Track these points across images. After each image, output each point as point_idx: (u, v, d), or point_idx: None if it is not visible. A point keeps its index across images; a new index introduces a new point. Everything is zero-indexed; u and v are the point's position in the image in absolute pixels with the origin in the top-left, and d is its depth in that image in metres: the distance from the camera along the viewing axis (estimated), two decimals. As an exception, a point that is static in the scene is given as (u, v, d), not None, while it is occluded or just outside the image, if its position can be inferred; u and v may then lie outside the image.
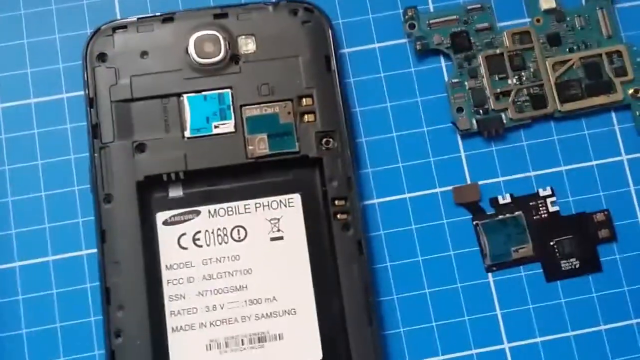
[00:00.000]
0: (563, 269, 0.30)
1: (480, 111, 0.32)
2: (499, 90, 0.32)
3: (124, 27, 0.31)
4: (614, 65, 0.32)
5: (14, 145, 0.31)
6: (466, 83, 0.32)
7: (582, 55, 0.32)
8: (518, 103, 0.32)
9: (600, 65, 0.32)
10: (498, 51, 0.32)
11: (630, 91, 0.32)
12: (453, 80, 0.32)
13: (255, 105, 0.30)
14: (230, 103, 0.30)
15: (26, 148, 0.31)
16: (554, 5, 0.32)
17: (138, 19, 0.31)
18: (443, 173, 0.31)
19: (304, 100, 0.30)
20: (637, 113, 0.32)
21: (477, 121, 0.31)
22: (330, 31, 0.31)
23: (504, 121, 0.31)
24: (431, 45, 0.32)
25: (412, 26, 0.32)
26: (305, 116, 0.30)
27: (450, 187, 0.31)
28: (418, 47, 0.32)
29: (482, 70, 0.32)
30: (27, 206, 0.30)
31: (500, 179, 0.31)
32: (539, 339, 0.30)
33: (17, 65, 0.31)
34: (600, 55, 0.32)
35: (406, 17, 0.32)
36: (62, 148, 0.31)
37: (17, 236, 0.30)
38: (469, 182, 0.31)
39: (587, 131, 0.32)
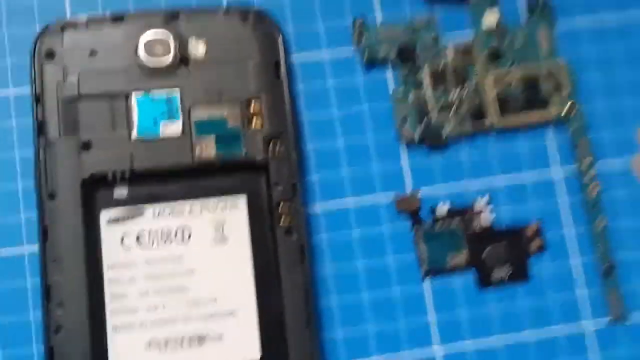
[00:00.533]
0: (494, 277, 0.32)
1: (423, 122, 0.33)
2: (441, 103, 0.33)
3: (73, 25, 0.31)
4: (551, 82, 0.33)
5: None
6: (410, 94, 0.33)
7: (522, 71, 0.33)
8: (459, 116, 0.33)
9: (538, 81, 0.33)
10: (442, 64, 0.33)
11: (566, 107, 0.33)
12: (398, 91, 0.33)
13: (204, 109, 0.31)
14: (179, 105, 0.31)
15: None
16: (496, 22, 0.33)
17: (88, 17, 0.31)
18: (386, 181, 0.32)
19: (252, 105, 0.31)
20: (571, 129, 0.33)
21: (419, 132, 0.32)
22: (280, 37, 0.32)
23: (445, 133, 0.32)
24: (378, 55, 0.33)
25: (360, 36, 0.33)
26: (253, 120, 0.31)
27: (392, 196, 0.32)
28: (366, 56, 0.33)
29: (426, 82, 0.33)
30: (-33, 201, 0.30)
31: (440, 189, 0.32)
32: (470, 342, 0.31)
33: (-38, 58, 0.31)
34: (539, 71, 0.33)
35: (355, 27, 0.33)
36: (6, 144, 0.31)
37: (-45, 231, 0.30)
38: (410, 190, 0.32)
39: (524, 144, 0.33)
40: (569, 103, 0.33)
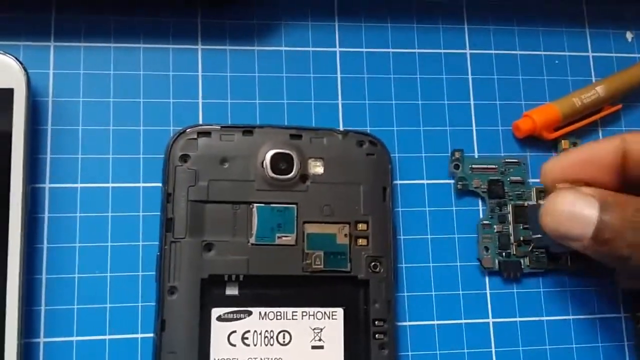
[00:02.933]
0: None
1: (504, 253, 0.36)
2: (521, 239, 0.36)
3: (208, 133, 0.34)
4: None
5: (88, 224, 0.33)
6: (495, 226, 0.36)
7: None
8: (535, 253, 0.36)
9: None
10: (526, 203, 0.36)
11: None
12: (484, 222, 0.36)
13: (317, 224, 0.34)
14: (295, 218, 0.33)
15: (99, 230, 0.33)
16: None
17: (222, 127, 0.34)
18: (469, 306, 0.35)
19: (359, 225, 0.34)
20: None
21: (499, 262, 0.35)
22: (390, 166, 0.35)
23: (522, 267, 0.35)
24: (470, 187, 0.36)
25: (456, 167, 0.36)
26: (359, 240, 0.34)
27: (473, 320, 0.35)
28: (459, 186, 0.36)
29: (510, 217, 0.36)
30: (91, 285, 0.32)
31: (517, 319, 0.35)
32: None
33: (101, 150, 0.34)
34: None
35: (453, 157, 0.36)
36: (132, 234, 0.33)
37: (78, 311, 0.32)
38: (490, 318, 0.35)
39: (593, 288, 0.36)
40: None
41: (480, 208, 0.36)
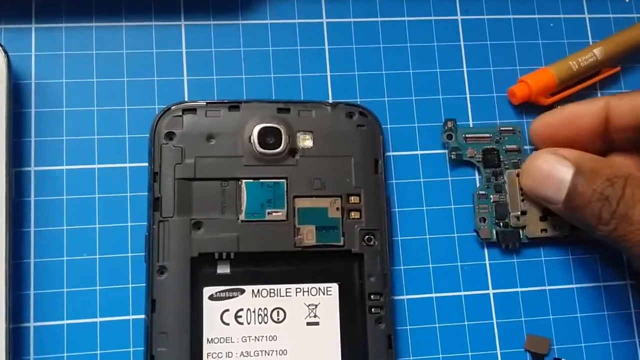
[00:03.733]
0: None
1: (501, 224, 0.35)
2: (519, 208, 0.35)
3: (193, 109, 0.33)
4: None
5: (75, 207, 0.32)
6: (491, 196, 0.35)
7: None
8: (535, 222, 0.35)
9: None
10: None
11: None
12: (480, 192, 0.35)
13: (307, 198, 0.33)
14: (285, 193, 0.33)
15: (86, 211, 0.32)
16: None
17: (207, 103, 0.33)
18: (468, 278, 0.34)
19: (351, 198, 0.33)
20: None
21: (497, 233, 0.34)
22: (381, 137, 0.34)
23: (521, 237, 0.34)
24: (464, 157, 0.35)
25: (449, 137, 0.35)
26: (352, 213, 0.33)
27: (473, 292, 0.34)
28: (452, 156, 0.35)
29: (507, 186, 0.35)
30: (80, 267, 0.32)
31: (518, 289, 0.34)
32: None
33: (86, 131, 0.33)
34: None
35: (446, 127, 0.35)
36: (120, 214, 0.33)
37: (67, 295, 0.31)
38: (491, 289, 0.34)
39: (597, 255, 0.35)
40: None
41: (477, 177, 0.35)
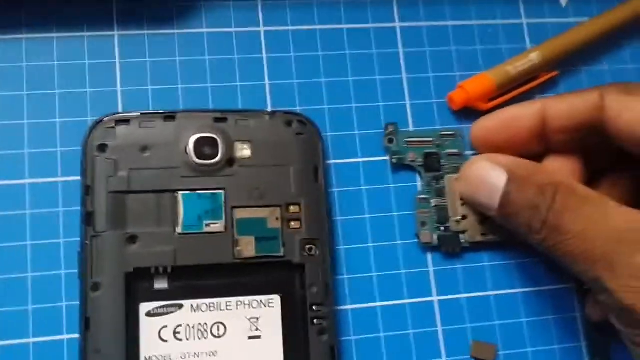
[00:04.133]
0: None
1: (442, 228, 0.34)
2: (459, 212, 0.34)
3: (126, 120, 0.32)
4: None
5: (5, 223, 0.31)
6: (432, 200, 0.35)
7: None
8: (476, 227, 0.34)
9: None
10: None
11: None
12: (420, 196, 0.35)
13: (246, 208, 0.32)
14: (223, 204, 0.32)
15: (16, 228, 0.31)
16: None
17: (141, 113, 0.32)
18: (412, 285, 0.34)
19: (291, 207, 0.32)
20: None
21: (438, 237, 0.34)
22: (320, 144, 0.33)
23: (462, 241, 0.34)
24: (405, 161, 0.35)
25: (390, 141, 0.35)
26: (292, 223, 0.32)
27: (417, 299, 0.33)
28: (393, 160, 0.35)
29: (447, 191, 0.35)
30: (11, 286, 0.31)
31: (463, 295, 0.34)
32: None
33: (15, 145, 0.32)
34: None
35: (387, 132, 0.35)
36: (52, 231, 0.31)
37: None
38: (435, 296, 0.34)
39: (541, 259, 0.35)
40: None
41: (419, 183, 0.35)
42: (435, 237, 0.34)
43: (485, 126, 0.33)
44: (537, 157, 0.33)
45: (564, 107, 0.31)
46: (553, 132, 0.32)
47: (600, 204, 0.28)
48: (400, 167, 0.35)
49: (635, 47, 0.39)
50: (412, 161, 0.35)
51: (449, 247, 0.34)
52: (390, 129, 0.35)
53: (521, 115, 0.32)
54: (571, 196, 0.28)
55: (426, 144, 0.35)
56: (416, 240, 0.34)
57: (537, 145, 0.33)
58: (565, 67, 0.38)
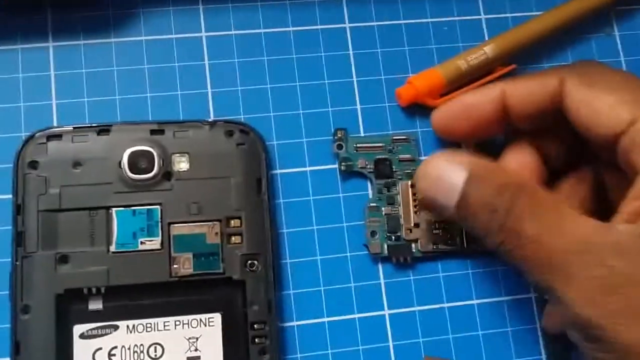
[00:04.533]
0: None
1: (393, 237, 0.33)
2: (412, 221, 0.33)
3: (58, 135, 0.31)
4: None
5: None
6: (383, 209, 0.33)
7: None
8: (429, 235, 0.33)
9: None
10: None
11: None
12: (371, 205, 0.33)
13: (184, 224, 0.31)
14: (159, 220, 0.31)
15: (-54, 249, 0.30)
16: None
17: (74, 128, 0.31)
18: (362, 299, 0.32)
19: (232, 221, 0.31)
20: None
21: (388, 247, 0.32)
22: (264, 154, 0.32)
23: (413, 250, 0.33)
24: (355, 167, 0.33)
25: (339, 147, 0.34)
26: (232, 238, 0.31)
27: (367, 314, 0.32)
28: (343, 167, 0.33)
29: (400, 198, 0.33)
30: (-60, 310, 0.30)
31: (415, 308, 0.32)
32: None
33: (-56, 162, 0.31)
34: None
35: (335, 137, 0.34)
36: (-17, 252, 0.31)
37: None
38: (386, 309, 0.32)
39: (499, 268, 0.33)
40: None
41: (370, 192, 0.33)
42: (385, 246, 0.32)
43: (445, 115, 0.32)
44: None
45: (522, 92, 0.30)
46: (515, 118, 0.30)
47: (559, 211, 0.26)
48: (350, 174, 0.33)
49: (602, 39, 0.37)
50: (363, 168, 0.33)
51: (399, 256, 0.32)
52: (340, 134, 0.33)
53: (480, 102, 0.30)
54: (531, 200, 0.26)
55: (377, 149, 0.34)
56: (367, 252, 0.32)
57: (501, 130, 0.31)
58: (523, 63, 0.36)
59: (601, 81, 0.28)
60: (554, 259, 0.25)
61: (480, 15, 0.36)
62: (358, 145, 0.34)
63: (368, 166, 0.33)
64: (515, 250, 0.27)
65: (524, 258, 0.26)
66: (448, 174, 0.28)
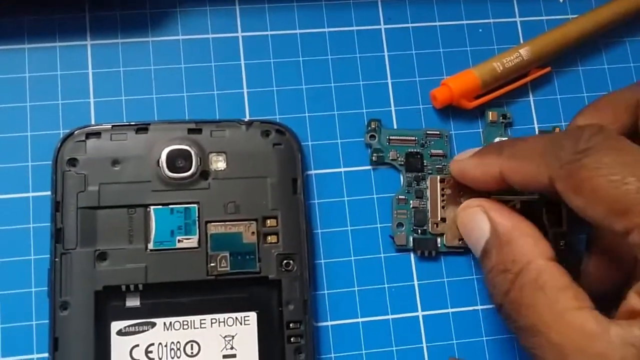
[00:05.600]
0: None
1: (419, 230, 0.33)
2: (439, 215, 0.33)
3: (97, 133, 0.31)
4: (551, 215, 0.33)
5: (-26, 241, 0.31)
6: (411, 202, 0.33)
7: (524, 198, 0.33)
8: (455, 230, 0.33)
9: (541, 211, 0.33)
10: (447, 178, 0.33)
11: (562, 242, 0.33)
12: (399, 197, 0.33)
13: (221, 223, 0.31)
14: (196, 218, 0.31)
15: (-14, 245, 0.31)
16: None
17: (112, 126, 0.31)
18: (396, 299, 0.32)
19: (268, 221, 0.31)
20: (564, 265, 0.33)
21: (413, 239, 0.33)
22: (299, 155, 0.32)
23: (439, 245, 0.33)
24: (386, 159, 0.33)
25: (372, 137, 0.34)
26: (268, 237, 0.31)
27: (402, 315, 0.32)
28: (374, 158, 0.33)
29: (428, 192, 0.33)
30: (-20, 304, 0.30)
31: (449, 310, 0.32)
32: None
33: (-16, 160, 0.31)
34: (541, 202, 0.33)
35: (369, 127, 0.34)
36: (23, 247, 0.31)
37: (-33, 335, 0.30)
38: (420, 311, 0.32)
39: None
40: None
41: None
42: (410, 239, 0.32)
43: (461, 168, 0.32)
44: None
45: (518, 178, 0.28)
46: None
47: (559, 302, 0.25)
48: (381, 166, 0.33)
49: (636, 42, 0.37)
50: (394, 160, 0.33)
51: (424, 250, 0.32)
52: (373, 125, 0.34)
53: (481, 177, 0.30)
54: (534, 284, 0.26)
55: (409, 142, 0.34)
56: (400, 253, 0.33)
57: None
58: (558, 66, 0.36)
59: (589, 190, 0.25)
60: (548, 352, 0.25)
61: (515, 17, 0.36)
62: (390, 137, 0.34)
63: (399, 158, 0.33)
64: (510, 322, 0.27)
65: (520, 330, 0.26)
66: (477, 224, 0.29)
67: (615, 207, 0.24)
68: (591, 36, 0.35)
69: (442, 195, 0.33)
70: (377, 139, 0.33)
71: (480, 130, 0.34)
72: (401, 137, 0.34)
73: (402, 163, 0.33)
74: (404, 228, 0.33)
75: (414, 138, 0.34)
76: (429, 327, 0.32)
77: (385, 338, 0.32)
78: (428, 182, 0.33)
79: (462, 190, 0.33)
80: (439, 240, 0.33)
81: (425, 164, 0.33)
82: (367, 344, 0.32)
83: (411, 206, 0.33)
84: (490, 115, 0.34)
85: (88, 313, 0.29)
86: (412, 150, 0.33)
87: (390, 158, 0.33)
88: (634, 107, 0.30)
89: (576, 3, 0.37)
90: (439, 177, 0.33)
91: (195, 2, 0.34)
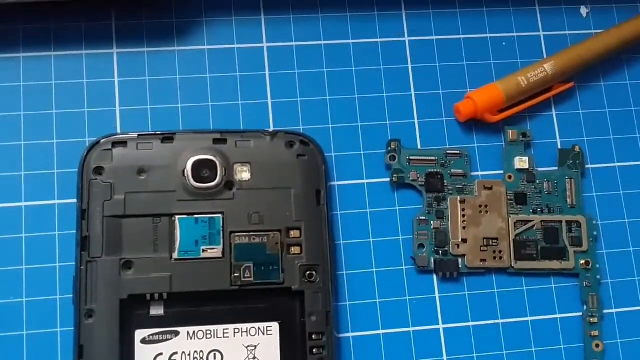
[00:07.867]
0: None
1: (440, 252, 0.33)
2: (460, 236, 0.33)
3: (123, 142, 0.31)
4: (571, 234, 0.33)
5: (0, 247, 0.31)
6: (432, 222, 0.33)
7: (544, 218, 0.33)
8: (476, 251, 0.33)
9: (559, 231, 0.33)
10: (467, 198, 0.33)
11: (582, 262, 0.33)
12: (420, 217, 0.33)
13: (245, 233, 0.31)
14: (221, 229, 0.31)
15: (11, 252, 0.31)
16: (527, 166, 0.34)
17: (139, 135, 0.32)
18: (417, 312, 0.32)
19: (292, 232, 0.31)
20: (584, 284, 0.33)
21: (435, 260, 0.33)
22: (323, 167, 0.32)
23: (460, 266, 0.33)
24: (407, 179, 0.33)
25: (392, 158, 0.34)
26: (292, 248, 0.31)
27: (423, 327, 0.32)
28: (394, 179, 0.33)
29: (449, 213, 0.33)
30: (5, 311, 0.30)
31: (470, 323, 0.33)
32: None
33: (12, 167, 0.32)
34: (561, 222, 0.34)
35: (389, 148, 0.34)
36: (48, 255, 0.31)
37: (-8, 341, 0.30)
38: (441, 324, 0.32)
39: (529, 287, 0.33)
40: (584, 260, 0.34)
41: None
42: (432, 260, 0.32)
43: None
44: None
45: None
46: None
47: None
48: (402, 186, 0.33)
49: (659, 59, 0.37)
50: (414, 180, 0.33)
51: (446, 271, 0.32)
52: (393, 145, 0.34)
53: None
54: None
55: (429, 162, 0.34)
56: (422, 266, 0.33)
57: None
58: (582, 81, 0.36)
59: None
60: None
61: (538, 31, 0.36)
62: (411, 157, 0.34)
63: (419, 179, 0.33)
64: None
65: None
66: None
67: None
68: (614, 52, 0.35)
69: (463, 215, 0.33)
70: (397, 159, 0.33)
71: (503, 144, 0.34)
72: (421, 157, 0.34)
73: (423, 184, 0.33)
74: (425, 249, 0.33)
75: (434, 158, 0.34)
76: (449, 340, 0.32)
77: (406, 350, 0.32)
78: (449, 203, 0.33)
79: (482, 210, 0.33)
80: (460, 261, 0.33)
81: (445, 184, 0.33)
82: (388, 356, 0.32)
83: (432, 227, 0.33)
84: (510, 134, 0.34)
85: (113, 321, 0.30)
86: (432, 170, 0.34)
87: (411, 179, 0.33)
88: None
89: (599, 17, 0.37)
90: (459, 198, 0.33)
91: (221, 12, 0.34)
